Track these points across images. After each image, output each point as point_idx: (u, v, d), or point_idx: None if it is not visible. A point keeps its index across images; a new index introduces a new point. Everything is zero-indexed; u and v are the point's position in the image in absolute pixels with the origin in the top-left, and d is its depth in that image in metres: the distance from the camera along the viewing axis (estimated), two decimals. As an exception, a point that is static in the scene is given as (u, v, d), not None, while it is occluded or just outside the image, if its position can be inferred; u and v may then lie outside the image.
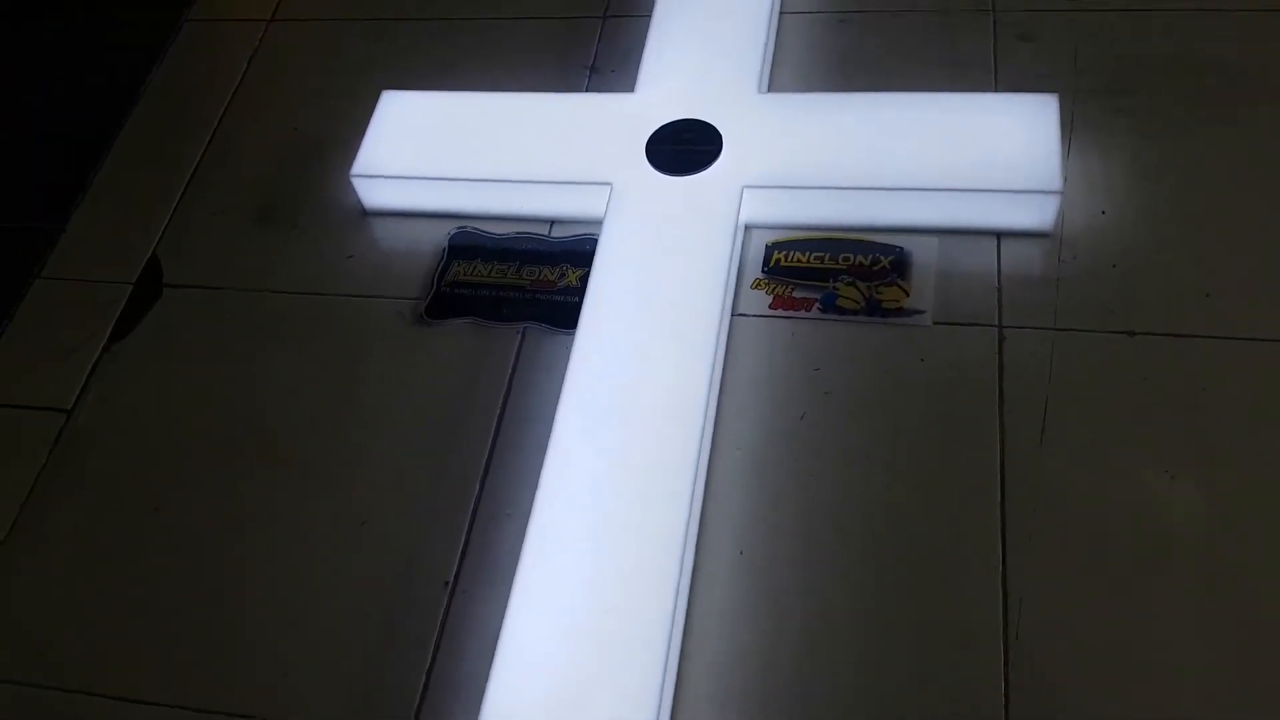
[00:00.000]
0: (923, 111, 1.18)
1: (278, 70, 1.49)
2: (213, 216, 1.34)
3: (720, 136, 1.20)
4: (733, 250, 1.14)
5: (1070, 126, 1.21)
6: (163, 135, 1.45)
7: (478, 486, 1.06)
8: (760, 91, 1.24)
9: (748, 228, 1.20)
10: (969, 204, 1.13)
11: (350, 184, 1.27)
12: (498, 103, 1.30)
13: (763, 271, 1.17)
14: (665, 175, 1.19)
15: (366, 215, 1.29)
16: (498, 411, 1.11)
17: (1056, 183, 1.10)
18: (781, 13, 1.39)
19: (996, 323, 1.09)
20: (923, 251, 1.15)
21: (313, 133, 1.40)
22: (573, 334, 1.11)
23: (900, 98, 1.20)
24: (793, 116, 1.21)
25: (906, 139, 1.16)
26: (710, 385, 1.05)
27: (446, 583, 1.00)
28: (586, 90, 1.37)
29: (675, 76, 1.27)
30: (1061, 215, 1.14)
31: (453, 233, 1.26)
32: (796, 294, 1.14)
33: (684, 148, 1.20)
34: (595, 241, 1.17)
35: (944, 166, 1.13)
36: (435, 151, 1.26)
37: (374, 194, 1.28)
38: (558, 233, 1.25)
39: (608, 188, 1.19)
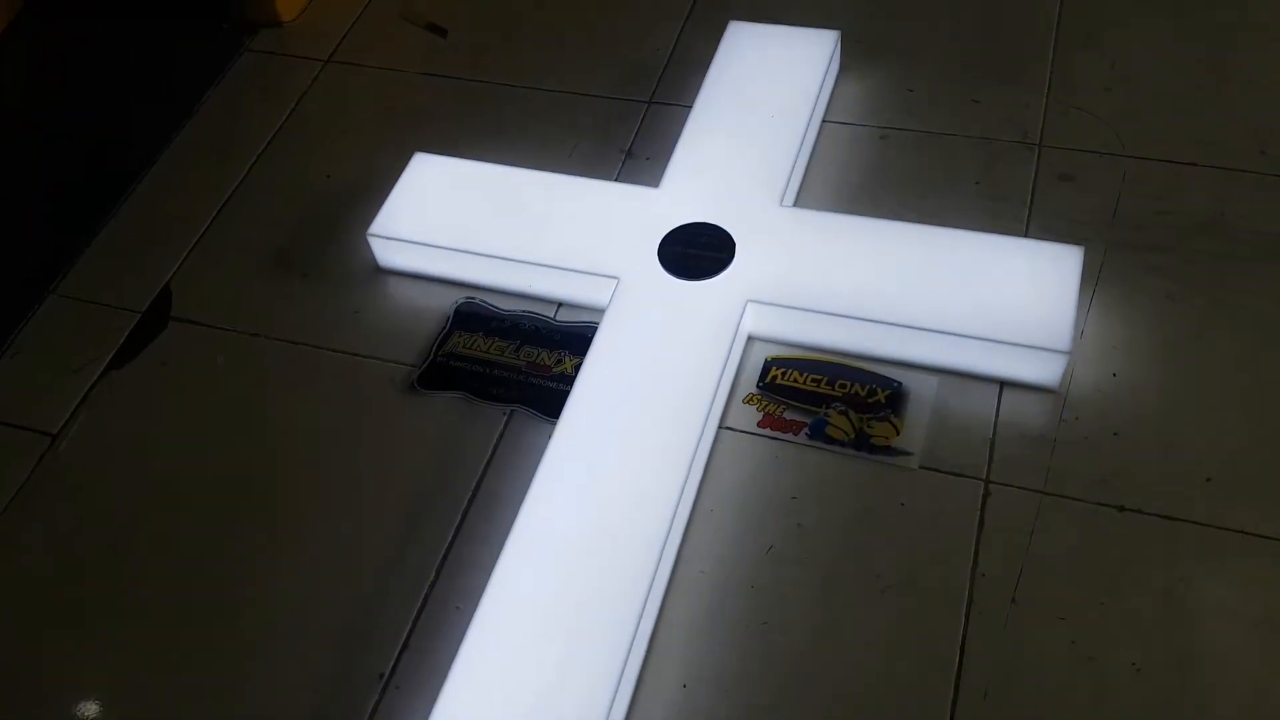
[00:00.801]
0: (943, 248, 1.15)
1: (325, 112, 1.52)
2: (232, 253, 1.36)
3: (734, 245, 1.19)
4: (727, 362, 1.12)
5: (1097, 278, 1.18)
6: (202, 162, 1.47)
7: (434, 574, 1.05)
8: (782, 204, 1.23)
9: (751, 338, 1.18)
10: (975, 349, 1.10)
11: (367, 240, 1.28)
12: (524, 179, 1.30)
13: (758, 386, 1.15)
14: (673, 277, 1.18)
15: (380, 271, 1.30)
16: (468, 496, 1.10)
17: (1065, 343, 1.06)
18: (824, 120, 1.38)
19: (984, 476, 1.05)
20: (920, 389, 1.12)
21: (345, 181, 1.41)
22: (555, 424, 1.10)
23: (921, 231, 1.17)
24: (809, 235, 1.19)
25: (921, 275, 1.13)
26: (680, 497, 1.03)
27: (382, 675, 0.99)
28: (618, 174, 1.37)
29: (701, 178, 1.26)
30: (1071, 372, 1.10)
31: (459, 302, 1.26)
32: (787, 415, 1.12)
33: (696, 251, 1.19)
34: (596, 330, 1.16)
35: (954, 309, 1.10)
36: (453, 221, 1.26)
37: (388, 254, 1.28)
38: (563, 316, 1.24)
39: (615, 281, 1.18)
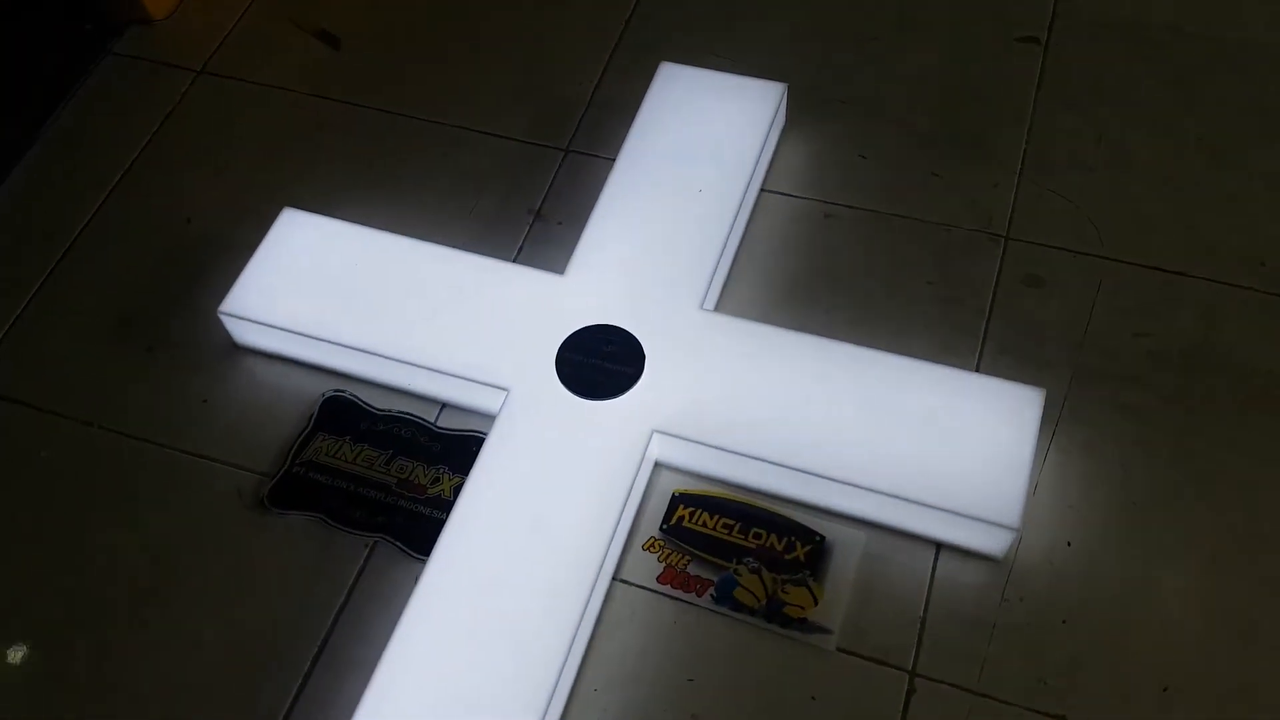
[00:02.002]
0: (882, 381, 0.99)
1: (192, 138, 1.31)
2: (68, 317, 1.16)
3: (642, 357, 1.02)
4: (628, 499, 0.96)
5: (1058, 418, 1.02)
6: (44, 197, 1.27)
7: (266, 747, 0.90)
8: (703, 306, 1.06)
9: (658, 464, 1.02)
10: (911, 510, 0.94)
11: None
12: (408, 253, 1.11)
13: (661, 529, 0.99)
14: (570, 393, 1.01)
15: (237, 349, 1.12)
16: (316, 647, 0.95)
17: (1014, 518, 0.91)
18: (762, 188, 1.20)
19: (910, 667, 0.91)
20: (846, 546, 0.97)
21: (207, 228, 1.22)
22: (425, 563, 0.94)
23: (859, 357, 1.01)
24: (729, 352, 1.02)
25: (855, 415, 0.97)
26: (562, 672, 0.88)
27: None
28: (523, 240, 1.19)
29: (612, 266, 1.08)
30: (1019, 539, 0.95)
31: (327, 395, 1.08)
32: (692, 569, 0.97)
33: (598, 363, 1.02)
34: (482, 442, 0.99)
35: (890, 464, 0.94)
36: (319, 302, 1.08)
37: (245, 332, 1.10)
38: (447, 420, 1.07)
39: (504, 394, 1.01)
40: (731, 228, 1.11)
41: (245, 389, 1.10)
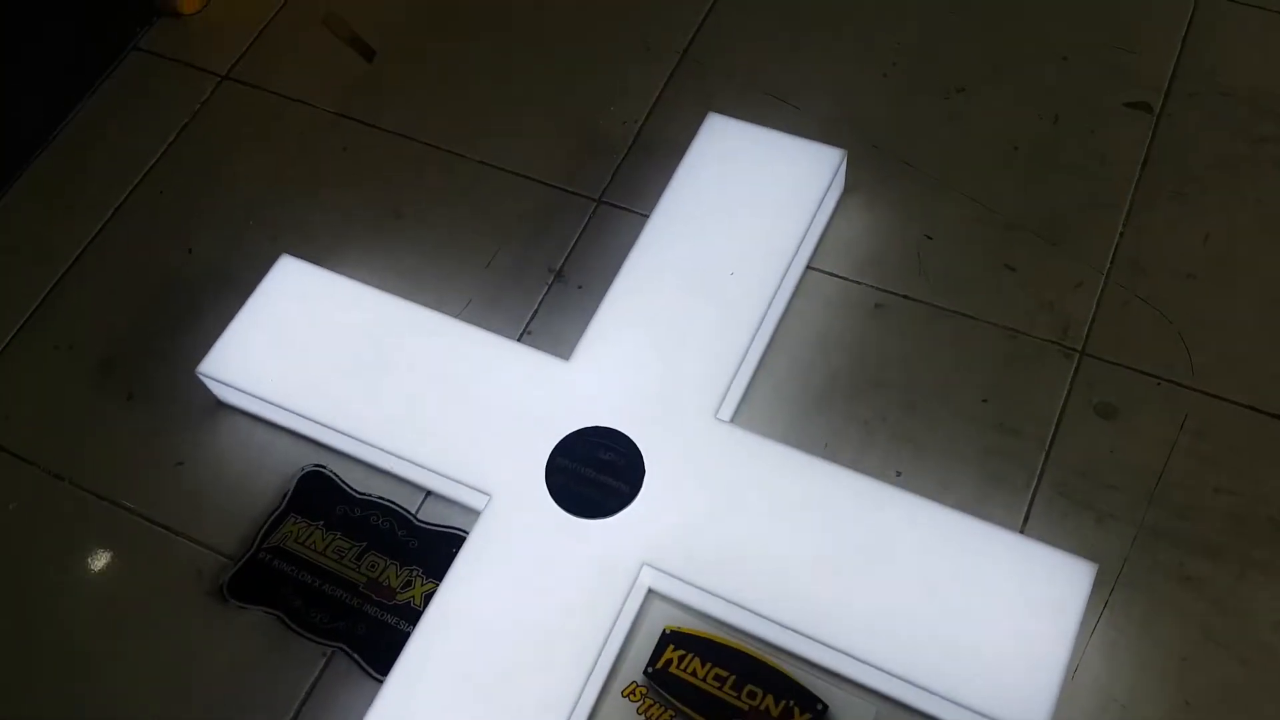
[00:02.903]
0: (911, 533, 0.86)
1: (207, 151, 1.22)
2: (56, 351, 1.10)
3: (642, 472, 0.91)
4: (608, 639, 0.86)
5: (1112, 585, 0.89)
6: (45, 214, 1.20)
7: None
8: (718, 415, 0.94)
9: (651, 591, 0.92)
10: (924, 695, 0.82)
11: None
12: (404, 320, 1.01)
13: (645, 673, 0.89)
14: (556, 505, 0.90)
15: (219, 406, 1.04)
16: (259, 765, 0.88)
17: (1043, 717, 0.78)
18: (808, 266, 1.06)
19: None
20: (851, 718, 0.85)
21: (206, 262, 1.14)
22: (381, 685, 0.86)
23: (891, 498, 0.88)
24: (742, 475, 0.90)
25: (874, 573, 0.85)
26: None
27: None
28: (540, 301, 1.08)
29: (624, 358, 0.97)
30: (1048, 732, 0.83)
31: (305, 470, 1.00)
32: (672, 725, 0.87)
33: (593, 474, 0.91)
34: (461, 544, 0.90)
35: (903, 638, 0.82)
36: (302, 373, 0.98)
37: (226, 393, 1.02)
38: (430, 511, 0.98)
39: (486, 498, 0.92)
40: (761, 322, 0.98)
41: (223, 452, 1.02)
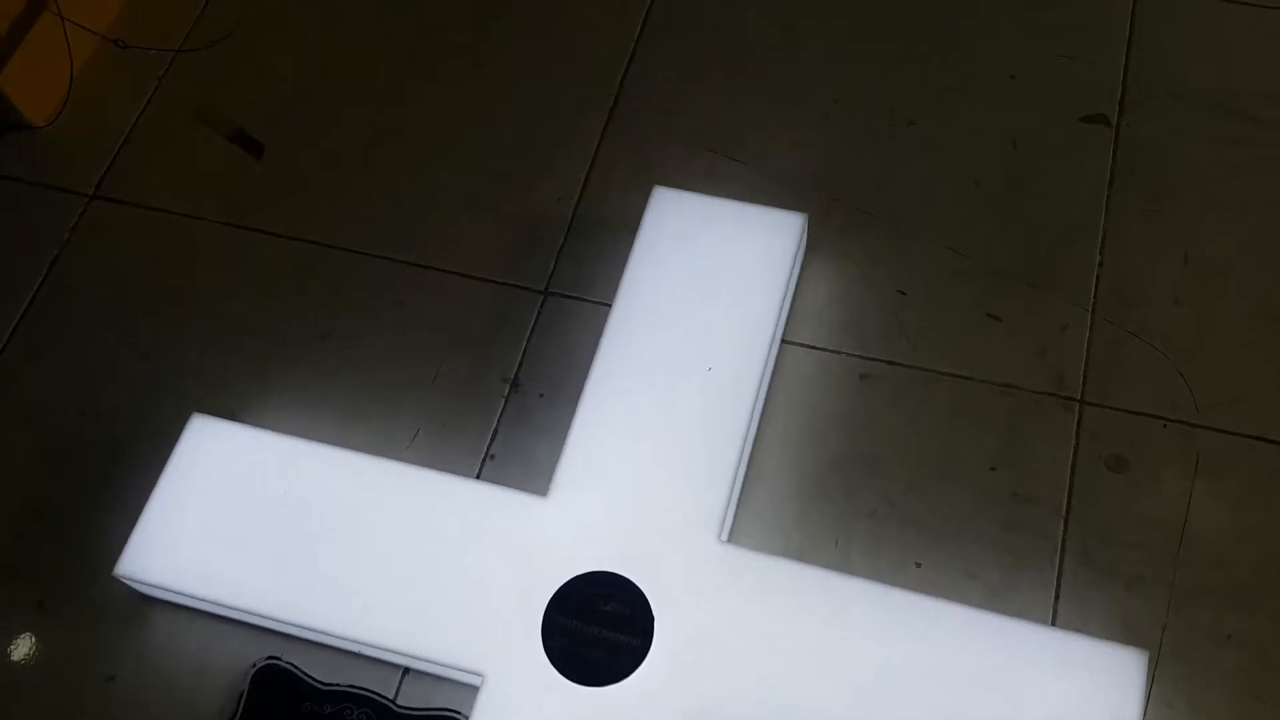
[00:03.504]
0: (947, 645, 0.80)
1: (86, 285, 1.07)
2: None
3: (651, 620, 0.83)
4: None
5: (1156, 655, 0.84)
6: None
7: None
8: (721, 539, 0.86)
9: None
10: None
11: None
12: (348, 473, 0.89)
13: (683, 835, 0.82)
14: (562, 676, 0.82)
15: (148, 601, 0.91)
16: None
17: None
18: (783, 340, 0.99)
19: None
20: None
21: (106, 424, 1.00)
22: None
23: (918, 608, 0.81)
24: (764, 610, 0.83)
25: (921, 692, 0.79)
26: None
27: None
28: (499, 417, 0.98)
29: (606, 486, 0.88)
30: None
31: (259, 666, 0.87)
32: None
33: (597, 630, 0.83)
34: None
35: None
36: (236, 559, 0.86)
37: (153, 592, 0.89)
38: (412, 691, 0.86)
39: (479, 678, 0.82)
40: (751, 418, 0.90)
41: (159, 658, 0.89)
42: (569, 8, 1.18)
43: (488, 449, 0.97)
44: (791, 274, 0.96)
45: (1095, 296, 0.99)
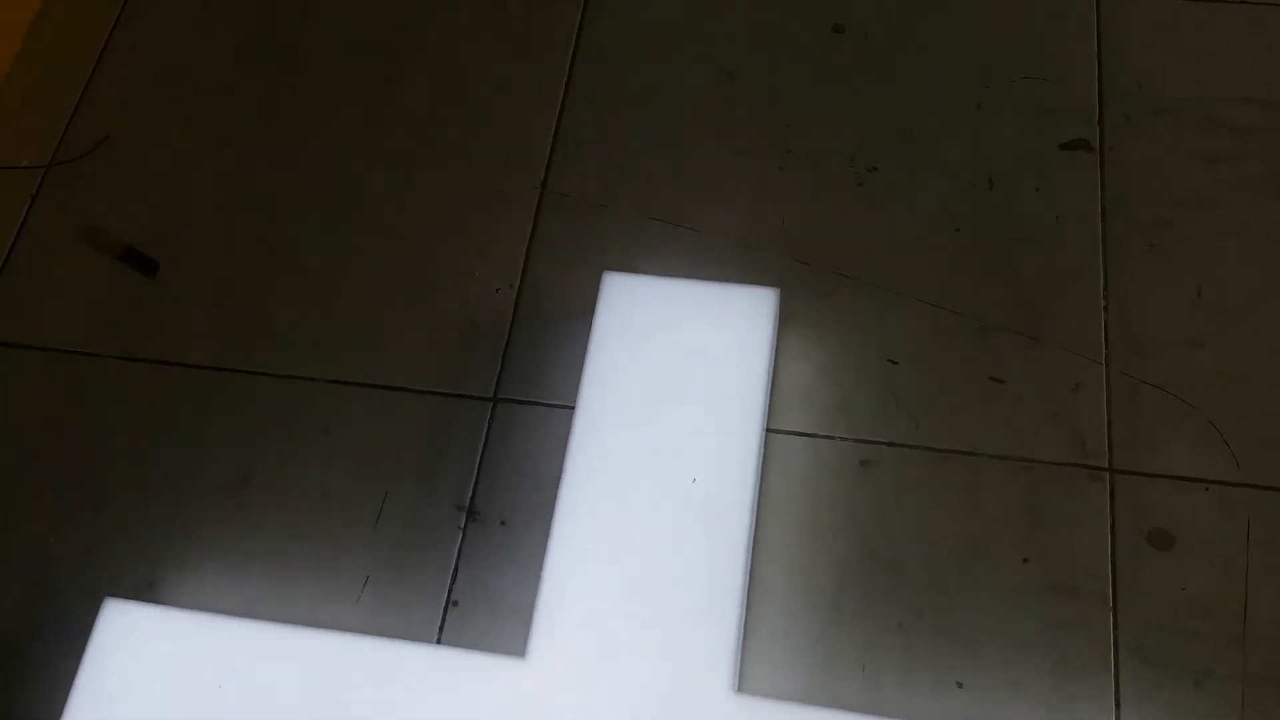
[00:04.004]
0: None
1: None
2: None
3: (664, 798, 0.70)
4: None
5: (1238, 762, 0.74)
6: None
7: None
8: (733, 687, 0.74)
9: None
10: None
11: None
12: (289, 655, 0.75)
13: None
14: None
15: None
16: None
17: None
18: (768, 429, 0.87)
19: None
20: None
21: (6, 619, 0.86)
22: None
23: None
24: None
25: None
26: None
27: None
28: (458, 552, 0.85)
29: (593, 636, 0.75)
30: None
31: None
32: None
33: (601, 817, 0.70)
34: None
35: None
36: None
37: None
38: None
39: None
40: (750, 533, 0.78)
41: None
42: (473, 80, 1.06)
43: (449, 594, 0.84)
44: (770, 357, 0.85)
45: (1106, 346, 0.89)
